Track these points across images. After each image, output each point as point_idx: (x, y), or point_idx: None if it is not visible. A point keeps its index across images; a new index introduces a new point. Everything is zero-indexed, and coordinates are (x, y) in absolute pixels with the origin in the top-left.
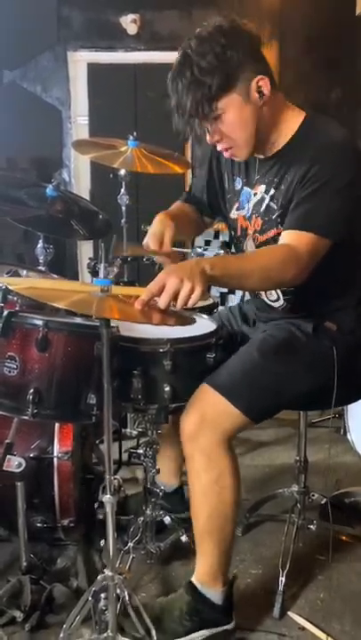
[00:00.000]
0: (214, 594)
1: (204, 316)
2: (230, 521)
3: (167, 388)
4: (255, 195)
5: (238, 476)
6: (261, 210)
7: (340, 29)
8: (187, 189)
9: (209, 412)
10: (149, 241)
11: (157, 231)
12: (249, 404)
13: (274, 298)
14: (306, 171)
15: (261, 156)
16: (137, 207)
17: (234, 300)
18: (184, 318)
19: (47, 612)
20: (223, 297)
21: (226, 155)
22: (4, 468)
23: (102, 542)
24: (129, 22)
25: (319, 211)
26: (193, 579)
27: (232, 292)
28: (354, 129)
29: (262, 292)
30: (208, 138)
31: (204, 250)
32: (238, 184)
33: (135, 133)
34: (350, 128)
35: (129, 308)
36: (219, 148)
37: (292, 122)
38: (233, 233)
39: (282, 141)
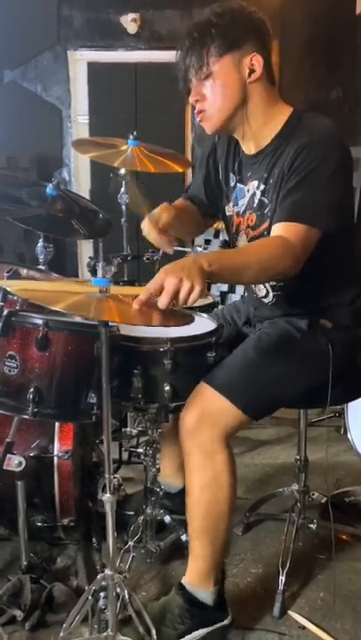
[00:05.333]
0: (205, 594)
1: (204, 315)
2: (225, 520)
3: (167, 388)
4: (248, 191)
5: (235, 475)
6: (255, 205)
7: (340, 29)
8: (185, 190)
9: (208, 410)
10: (145, 222)
11: (155, 213)
12: (247, 402)
13: (263, 293)
14: (291, 162)
15: (253, 151)
16: None
17: (233, 299)
18: (183, 317)
19: (47, 610)
20: (223, 296)
21: (198, 118)
22: (5, 467)
23: (94, 542)
24: (129, 21)
25: (308, 201)
26: (184, 579)
27: (232, 290)
28: (354, 128)
29: (255, 289)
30: (190, 97)
31: (204, 249)
32: (232, 181)
33: (135, 132)
34: (351, 128)
35: (128, 309)
36: (196, 109)
37: (280, 116)
38: (228, 230)
39: (270, 136)
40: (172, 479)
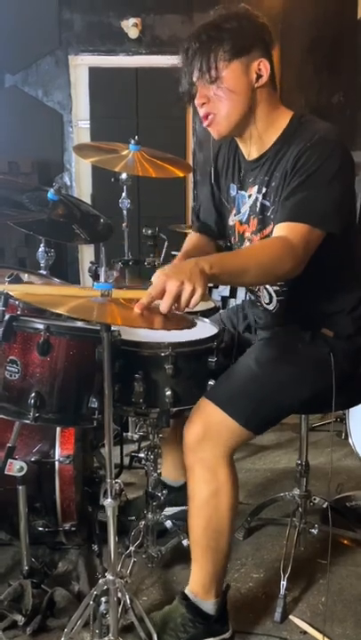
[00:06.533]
0: (207, 605)
1: (206, 319)
2: (225, 534)
3: (168, 392)
4: (249, 197)
5: (237, 490)
6: (257, 210)
7: (341, 33)
8: (195, 214)
9: (210, 426)
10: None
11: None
12: (249, 417)
13: (266, 300)
14: (294, 163)
15: (254, 156)
16: (138, 211)
17: (235, 304)
18: (185, 321)
19: (48, 615)
20: (225, 300)
21: (205, 123)
22: (6, 472)
23: (95, 547)
24: (130, 26)
25: (310, 201)
26: (187, 589)
27: (233, 295)
28: (355, 132)
29: (259, 297)
30: (196, 100)
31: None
32: (233, 190)
33: (136, 137)
34: (352, 131)
35: (130, 313)
36: (201, 113)
37: (281, 120)
38: (231, 239)
39: (271, 139)
40: (175, 475)
